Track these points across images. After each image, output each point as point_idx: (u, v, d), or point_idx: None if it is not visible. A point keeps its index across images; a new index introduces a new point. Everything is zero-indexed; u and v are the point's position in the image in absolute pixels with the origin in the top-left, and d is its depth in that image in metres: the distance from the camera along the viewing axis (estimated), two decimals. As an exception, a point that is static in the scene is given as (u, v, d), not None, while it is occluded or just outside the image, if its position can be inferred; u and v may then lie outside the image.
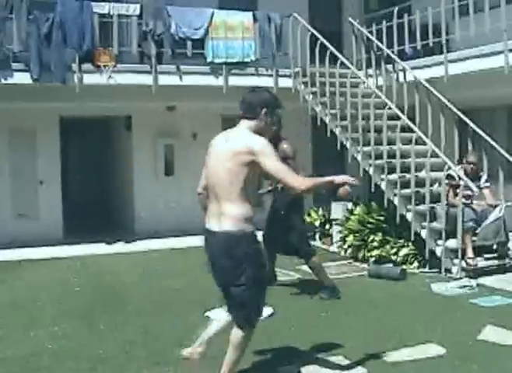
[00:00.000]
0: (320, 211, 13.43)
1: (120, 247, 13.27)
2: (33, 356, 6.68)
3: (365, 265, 10.78)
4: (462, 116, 11.18)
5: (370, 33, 13.52)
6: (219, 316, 7.77)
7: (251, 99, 5.36)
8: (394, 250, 10.73)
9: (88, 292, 9.49)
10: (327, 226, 13.15)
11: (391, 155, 11.14)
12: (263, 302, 5.44)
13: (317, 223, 13.28)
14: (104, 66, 12.35)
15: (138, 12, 12.88)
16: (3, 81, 12.01)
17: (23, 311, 8.48)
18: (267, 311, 7.95)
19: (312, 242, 12.86)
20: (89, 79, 12.42)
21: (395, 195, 10.86)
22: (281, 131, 8.83)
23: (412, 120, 11.31)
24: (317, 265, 8.95)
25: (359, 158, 11.64)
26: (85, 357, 6.58)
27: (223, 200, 5.12)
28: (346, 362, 6.23)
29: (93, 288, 9.74)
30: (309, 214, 13.53)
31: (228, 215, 5.09)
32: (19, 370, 6.31)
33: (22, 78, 12.12)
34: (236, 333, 5.28)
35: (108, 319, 7.96)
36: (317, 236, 13.28)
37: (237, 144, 5.14)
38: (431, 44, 12.51)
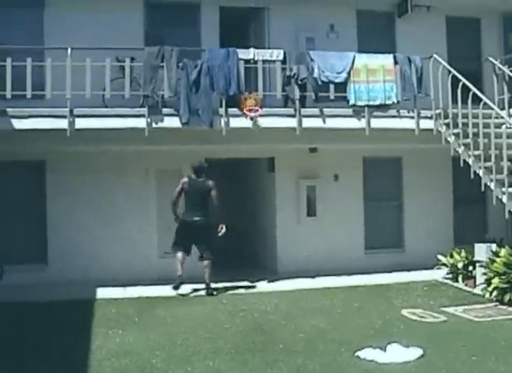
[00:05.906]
0: (463, 253, 13.27)
1: (263, 286, 13.48)
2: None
3: (512, 308, 10.62)
4: None
5: (512, 72, 13.45)
6: (371, 356, 7.95)
7: None
8: (543, 294, 10.53)
9: (237, 329, 9.75)
10: (470, 268, 12.97)
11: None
12: None
13: (459, 264, 13.12)
14: (250, 110, 12.74)
15: (281, 57, 13.28)
16: (154, 125, 12.62)
17: (178, 346, 8.83)
18: (417, 352, 8.01)
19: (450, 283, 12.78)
20: (235, 123, 12.86)
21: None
22: None
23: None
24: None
25: (505, 199, 11.51)
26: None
27: None
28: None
29: (242, 326, 9.98)
30: (451, 256, 13.42)
31: None
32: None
33: (172, 123, 12.69)
34: None
35: (260, 357, 8.20)
36: (460, 278, 13.11)
37: None
38: None
